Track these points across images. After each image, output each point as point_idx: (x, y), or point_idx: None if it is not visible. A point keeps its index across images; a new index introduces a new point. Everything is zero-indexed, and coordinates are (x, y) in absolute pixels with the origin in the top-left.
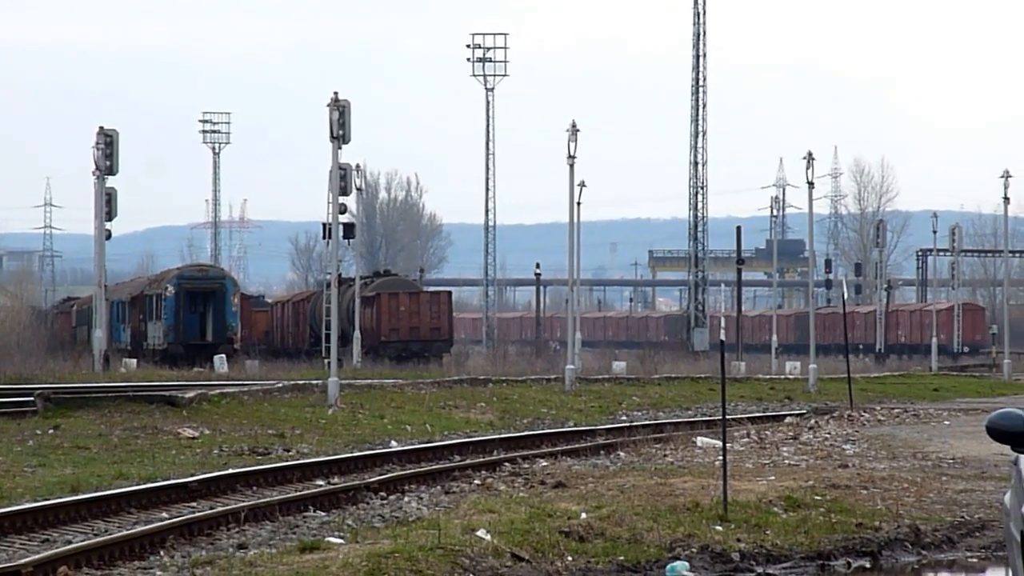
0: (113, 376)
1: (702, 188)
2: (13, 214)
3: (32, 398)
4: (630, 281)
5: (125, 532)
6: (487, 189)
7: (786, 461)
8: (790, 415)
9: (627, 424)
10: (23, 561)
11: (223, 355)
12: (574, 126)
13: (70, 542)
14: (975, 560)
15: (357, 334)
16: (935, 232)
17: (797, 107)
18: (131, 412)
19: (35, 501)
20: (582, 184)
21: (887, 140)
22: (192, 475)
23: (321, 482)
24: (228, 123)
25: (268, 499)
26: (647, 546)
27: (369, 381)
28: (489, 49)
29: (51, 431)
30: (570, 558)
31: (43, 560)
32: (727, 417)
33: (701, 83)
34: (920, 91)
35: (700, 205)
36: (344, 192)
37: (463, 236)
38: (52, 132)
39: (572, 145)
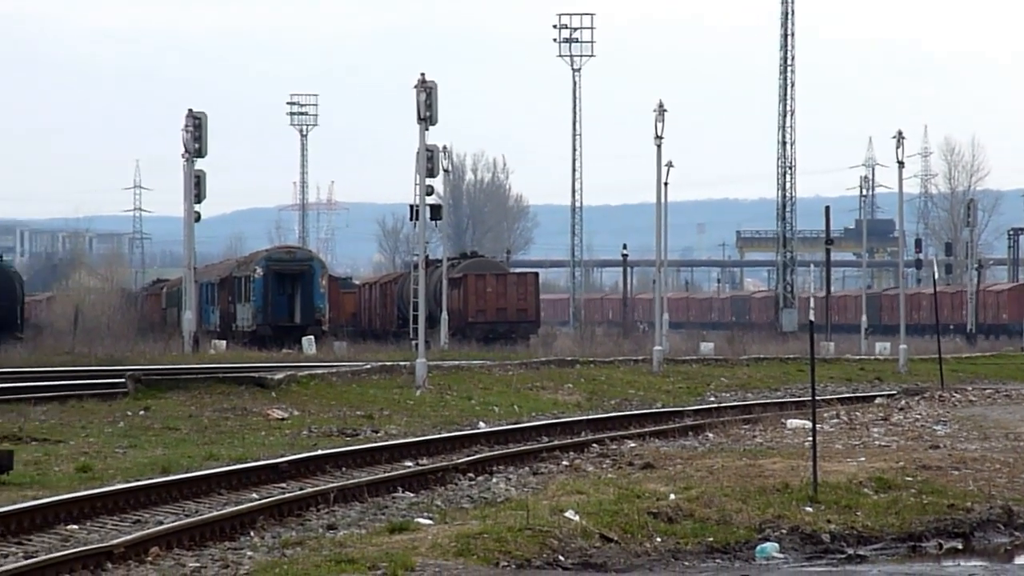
0: (203, 358)
1: (790, 168)
2: (103, 197)
3: (123, 380)
4: (718, 262)
5: (215, 513)
6: (574, 170)
7: (876, 442)
8: (880, 396)
9: (715, 405)
10: (115, 542)
11: (311, 337)
12: (661, 106)
13: (161, 523)
14: None
15: (444, 315)
16: None
17: (887, 85)
18: (221, 393)
19: (126, 482)
20: (669, 164)
21: (978, 118)
22: (281, 456)
23: (409, 463)
24: (315, 105)
25: (357, 480)
26: (736, 527)
27: (456, 362)
28: (576, 29)
29: (142, 413)
30: (659, 539)
31: (134, 541)
32: (816, 398)
33: (789, 62)
34: (1012, 69)
35: (788, 185)
36: (431, 174)
37: (550, 217)
38: (141, 115)
39: (659, 125)
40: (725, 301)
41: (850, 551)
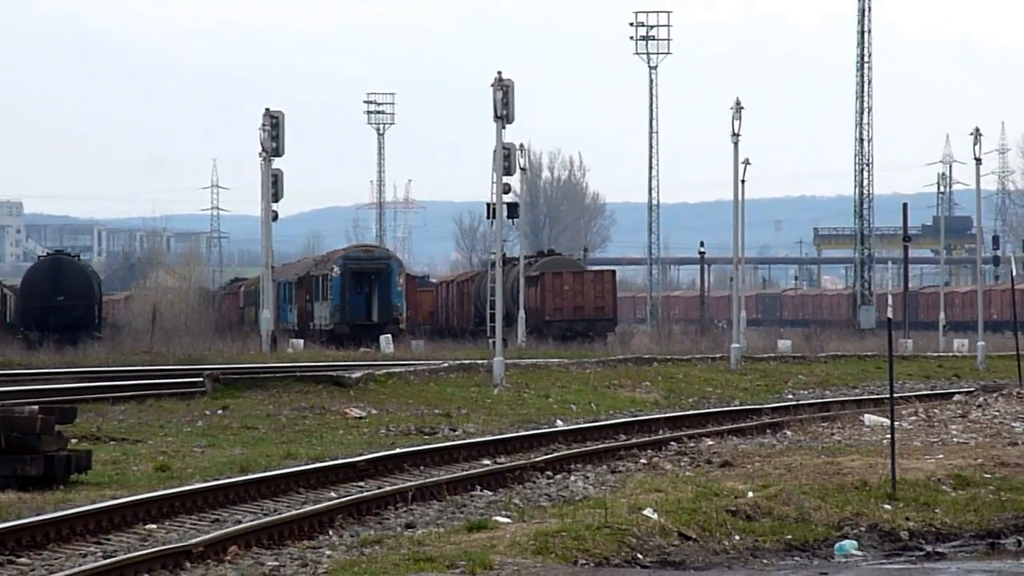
0: (280, 357)
1: (868, 165)
2: (181, 196)
3: (201, 379)
4: (795, 259)
5: (294, 512)
6: (650, 168)
7: (955, 439)
8: (958, 393)
9: (793, 403)
10: (193, 541)
11: (389, 335)
12: (738, 103)
13: (240, 522)
14: None
15: (521, 314)
16: None
17: (964, 81)
18: (299, 392)
19: (205, 481)
20: (746, 162)
21: None
22: (360, 455)
23: (487, 461)
24: (392, 104)
25: (435, 479)
26: (815, 525)
27: (534, 360)
28: (652, 27)
29: (220, 411)
30: (737, 537)
31: (213, 540)
32: (894, 395)
33: (866, 59)
34: None
35: (866, 182)
36: (508, 172)
37: (626, 215)
38: (218, 114)
39: (736, 123)
40: (751, 299)
41: (928, 548)
